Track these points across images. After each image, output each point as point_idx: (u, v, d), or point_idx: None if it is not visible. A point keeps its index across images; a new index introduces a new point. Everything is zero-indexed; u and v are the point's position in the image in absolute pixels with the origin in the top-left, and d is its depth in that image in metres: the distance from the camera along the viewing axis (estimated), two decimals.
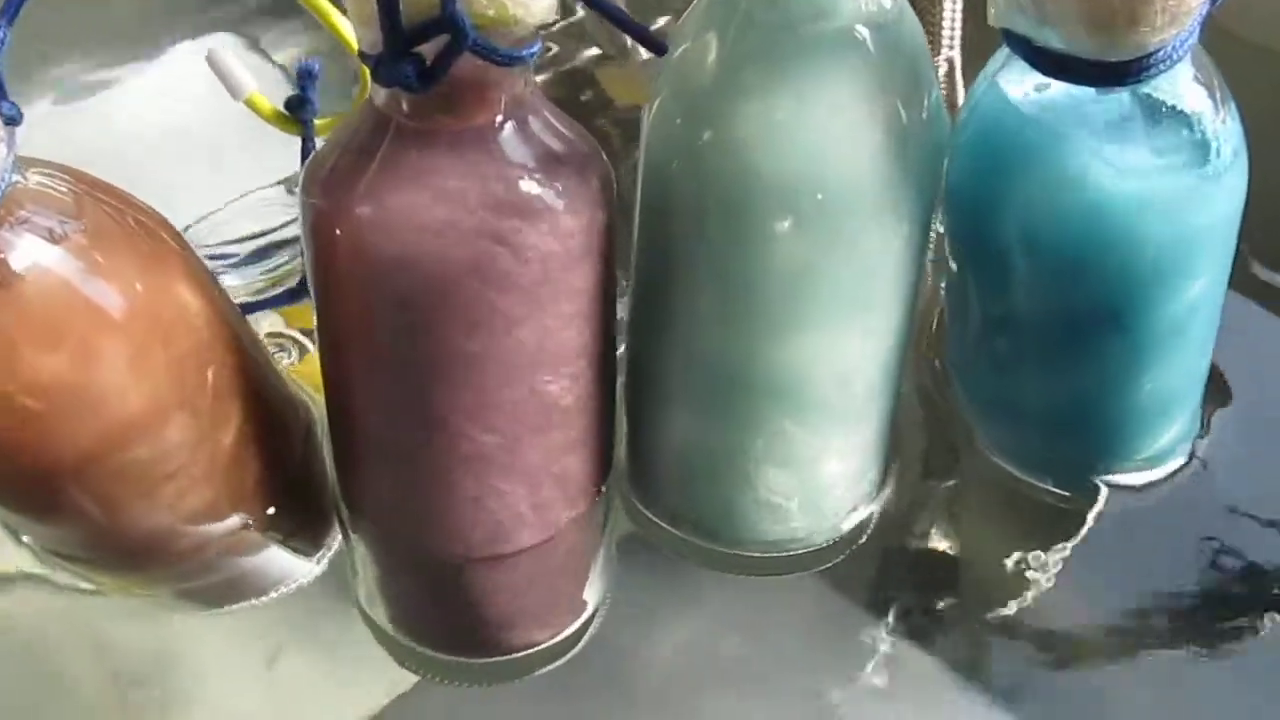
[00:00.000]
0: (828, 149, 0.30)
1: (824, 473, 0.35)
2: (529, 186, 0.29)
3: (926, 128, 0.31)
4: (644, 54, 0.60)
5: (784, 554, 0.37)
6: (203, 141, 0.53)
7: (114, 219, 0.30)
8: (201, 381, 0.30)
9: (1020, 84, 0.34)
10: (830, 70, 0.30)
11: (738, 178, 0.30)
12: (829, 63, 0.30)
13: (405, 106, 0.28)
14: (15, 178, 0.27)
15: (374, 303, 0.30)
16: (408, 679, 0.37)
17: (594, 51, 0.61)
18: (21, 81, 0.28)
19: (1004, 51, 0.34)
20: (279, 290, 0.47)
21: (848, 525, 0.38)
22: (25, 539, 0.33)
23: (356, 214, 0.29)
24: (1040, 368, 0.38)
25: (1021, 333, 0.37)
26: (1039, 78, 0.33)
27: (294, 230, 0.49)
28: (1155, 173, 0.32)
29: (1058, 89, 0.33)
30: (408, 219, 0.28)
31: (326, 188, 0.30)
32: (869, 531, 0.39)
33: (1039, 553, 0.40)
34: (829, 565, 0.38)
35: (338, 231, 0.29)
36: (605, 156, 0.31)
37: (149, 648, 0.38)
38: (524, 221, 0.29)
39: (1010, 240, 0.34)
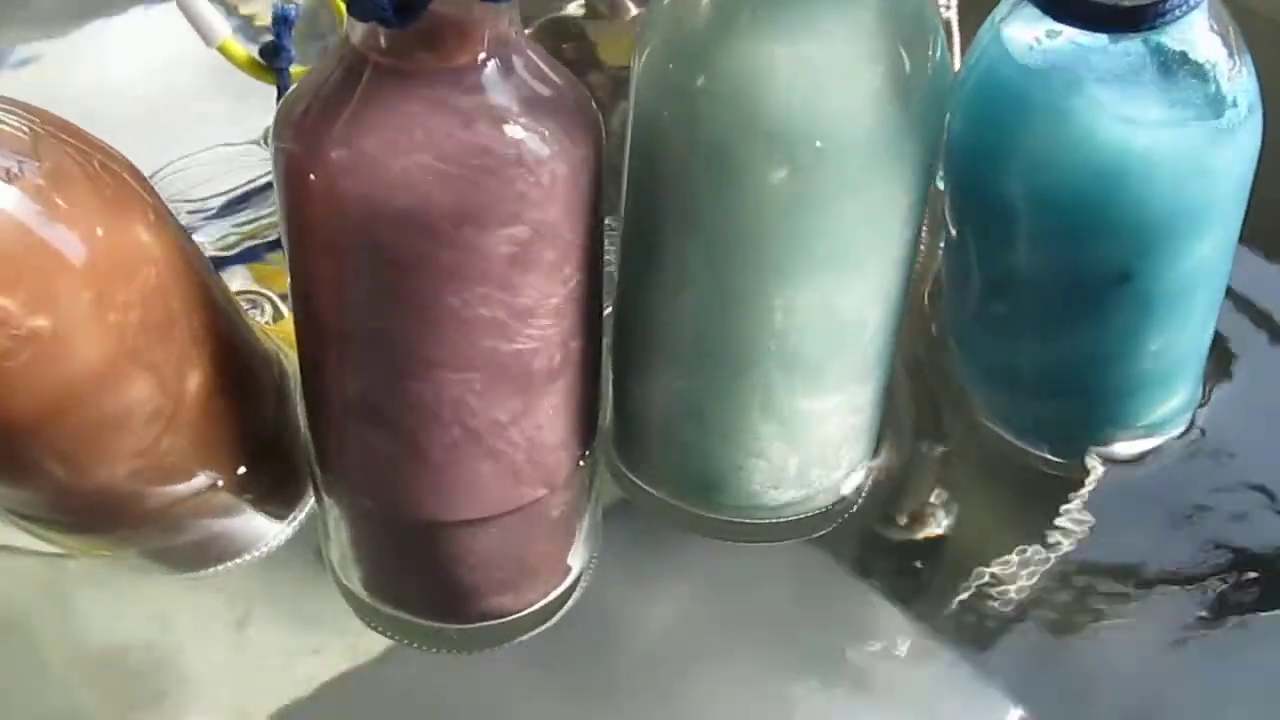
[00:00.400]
0: (827, 95, 0.29)
1: (819, 435, 0.34)
2: (513, 130, 0.27)
3: (931, 76, 0.30)
4: (633, 10, 0.59)
5: (775, 520, 0.36)
6: (175, 98, 0.52)
7: (76, 161, 0.29)
8: (166, 333, 0.29)
9: (1026, 34, 0.32)
10: (830, 13, 0.28)
11: (732, 125, 0.29)
12: (829, 5, 0.28)
13: (383, 44, 0.27)
14: None
15: (348, 252, 0.28)
16: (382, 643, 0.36)
17: (580, 6, 0.59)
18: None
19: (1009, 1, 0.33)
20: (252, 244, 0.46)
21: (841, 491, 0.37)
22: None
23: (331, 158, 0.27)
24: (1042, 331, 0.36)
25: (1023, 294, 0.36)
26: (1047, 26, 0.31)
27: (265, 183, 0.47)
28: (1167, 125, 0.31)
29: (1066, 38, 0.32)
30: (384, 163, 0.27)
31: (299, 131, 0.28)
32: (862, 498, 0.38)
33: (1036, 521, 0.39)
34: (821, 533, 0.37)
35: (311, 177, 0.28)
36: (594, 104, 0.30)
37: (117, 611, 0.37)
38: (507, 167, 0.27)
39: (1014, 197, 0.33)
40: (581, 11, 0.59)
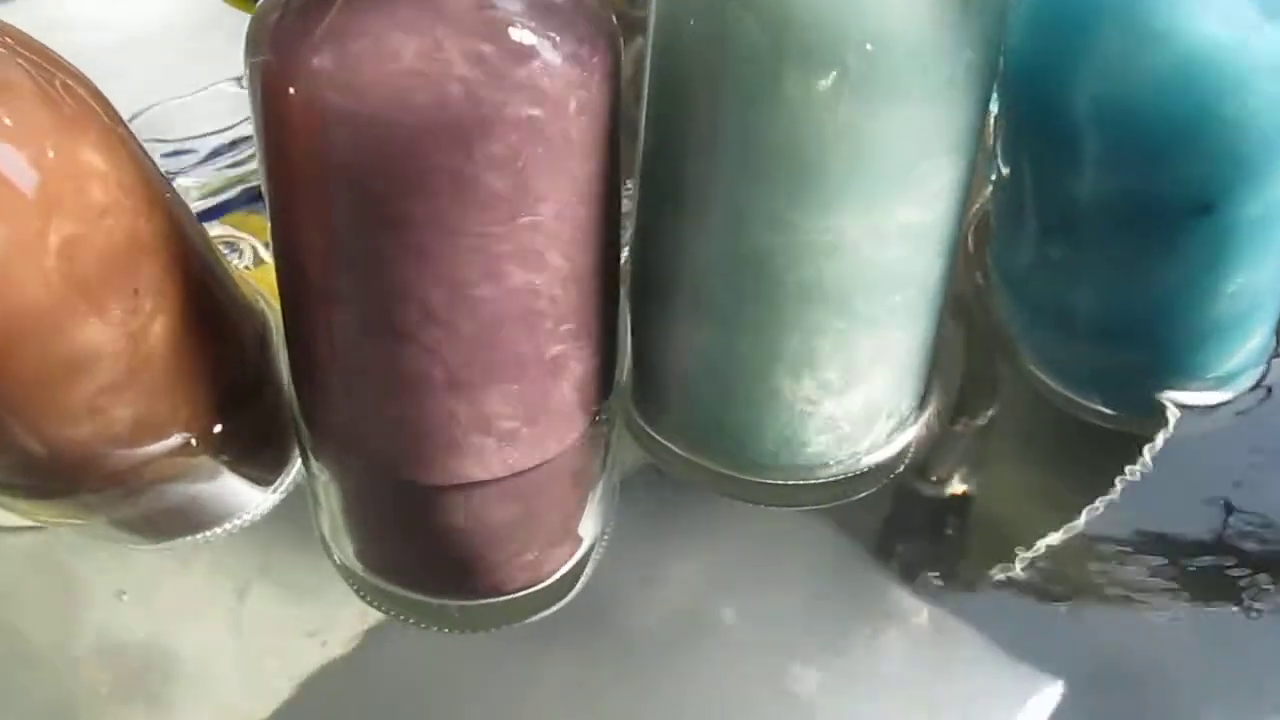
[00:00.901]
0: None
1: (862, 385, 0.31)
2: (521, 34, 0.24)
3: None
4: None
5: (810, 482, 0.33)
6: (167, 36, 0.49)
7: (30, 76, 0.26)
8: (125, 271, 0.26)
9: None
10: None
11: (767, 28, 0.25)
12: None
13: None
14: None
15: (333, 176, 0.25)
16: (382, 620, 0.33)
17: None
18: None
19: None
20: (240, 189, 0.42)
21: (882, 452, 0.33)
22: None
23: (313, 66, 0.24)
24: (1104, 270, 0.33)
25: (1085, 230, 0.32)
26: None
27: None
28: (1260, 25, 0.27)
29: None
30: (374, 71, 0.24)
31: (276, 38, 0.25)
32: (906, 461, 0.34)
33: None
34: (858, 497, 0.34)
35: (291, 91, 0.25)
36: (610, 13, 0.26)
37: (106, 590, 0.34)
38: (515, 75, 0.24)
39: (1080, 114, 0.30)
40: None
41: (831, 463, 0.32)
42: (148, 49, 0.48)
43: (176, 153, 0.43)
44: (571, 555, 0.32)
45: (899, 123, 0.26)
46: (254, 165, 0.43)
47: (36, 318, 0.24)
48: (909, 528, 0.36)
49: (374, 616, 0.32)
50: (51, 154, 0.25)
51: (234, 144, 0.44)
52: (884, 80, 0.25)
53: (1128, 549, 0.35)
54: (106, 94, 0.29)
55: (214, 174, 0.42)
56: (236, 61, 0.46)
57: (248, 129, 0.44)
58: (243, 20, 0.34)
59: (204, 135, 0.44)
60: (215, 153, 0.44)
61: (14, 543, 0.34)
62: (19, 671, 0.33)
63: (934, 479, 0.36)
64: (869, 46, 0.25)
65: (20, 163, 0.24)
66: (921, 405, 0.34)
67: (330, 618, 0.33)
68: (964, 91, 0.27)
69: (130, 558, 0.34)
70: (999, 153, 0.34)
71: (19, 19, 0.27)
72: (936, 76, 0.26)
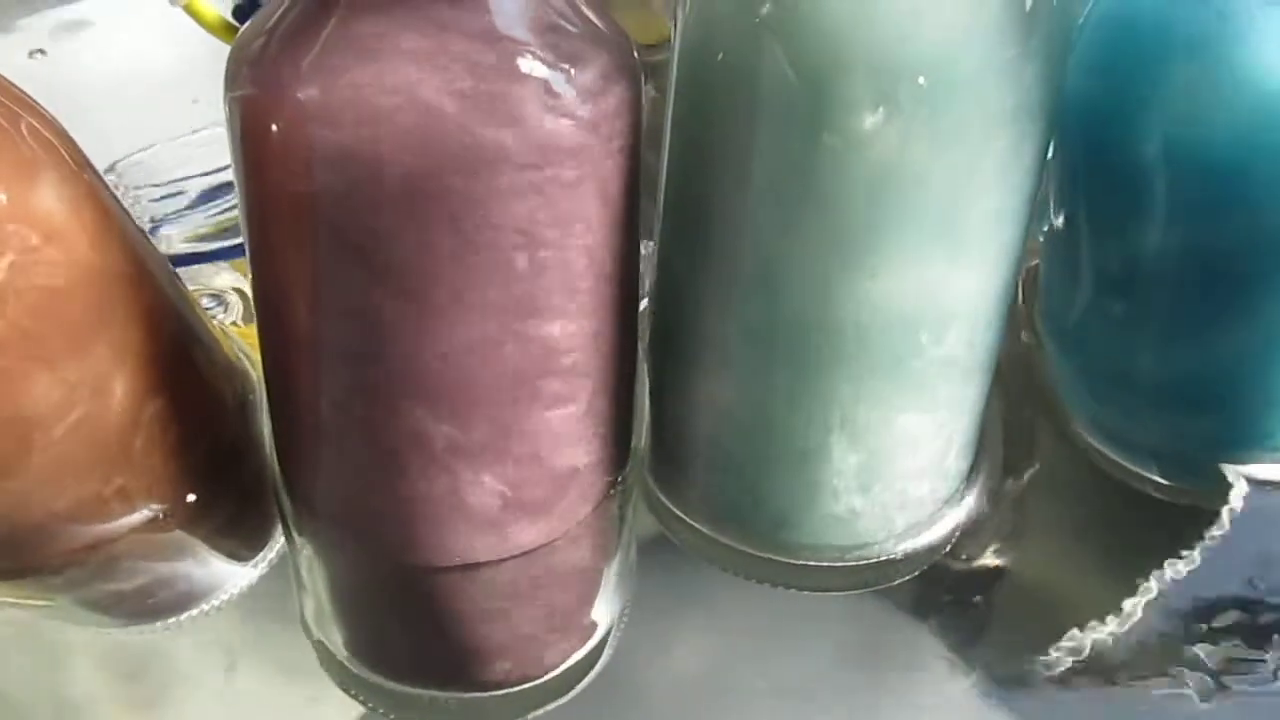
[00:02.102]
0: (932, 18, 0.22)
1: (903, 458, 0.28)
2: (531, 65, 0.22)
3: (1057, 5, 0.24)
4: None
5: (845, 564, 0.30)
6: (142, 80, 0.46)
7: None
8: (82, 325, 0.23)
9: None
10: None
11: (807, 59, 0.23)
12: None
13: None
14: None
15: (320, 221, 0.22)
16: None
17: None
18: None
19: None
20: (235, 240, 0.40)
21: (926, 533, 0.30)
22: None
23: (298, 100, 0.21)
24: (1169, 328, 0.31)
25: (1150, 285, 0.30)
26: None
27: None
28: None
29: None
30: (366, 104, 0.21)
31: (257, 70, 0.23)
32: (951, 544, 0.31)
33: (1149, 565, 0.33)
34: (898, 581, 0.31)
35: (273, 127, 0.22)
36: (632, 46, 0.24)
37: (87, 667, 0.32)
38: (524, 112, 0.21)
39: (1148, 158, 0.27)
40: None
41: (869, 544, 0.29)
42: (148, 90, 0.46)
43: (165, 196, 0.41)
44: (584, 642, 0.29)
45: (952, 167, 0.24)
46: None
47: None
48: (945, 604, 0.33)
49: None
50: (3, 198, 0.22)
51: (221, 187, 0.42)
52: (937, 119, 0.23)
53: (1181, 635, 0.32)
54: (104, 135, 0.26)
55: (204, 219, 0.40)
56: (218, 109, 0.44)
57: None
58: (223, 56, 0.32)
59: (194, 177, 0.41)
60: (205, 196, 0.42)
61: None
62: None
63: (973, 554, 0.33)
64: (921, 80, 0.22)
65: None
66: (969, 480, 0.31)
67: (319, 700, 0.30)
68: (1025, 131, 0.24)
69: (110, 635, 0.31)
70: (1052, 200, 0.31)
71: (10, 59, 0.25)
72: (995, 114, 0.23)
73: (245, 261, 0.39)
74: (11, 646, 0.32)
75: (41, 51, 0.46)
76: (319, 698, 0.31)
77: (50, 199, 0.23)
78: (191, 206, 0.41)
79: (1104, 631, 0.32)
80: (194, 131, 0.44)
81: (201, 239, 0.39)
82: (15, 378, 0.22)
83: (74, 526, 0.25)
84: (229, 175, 0.42)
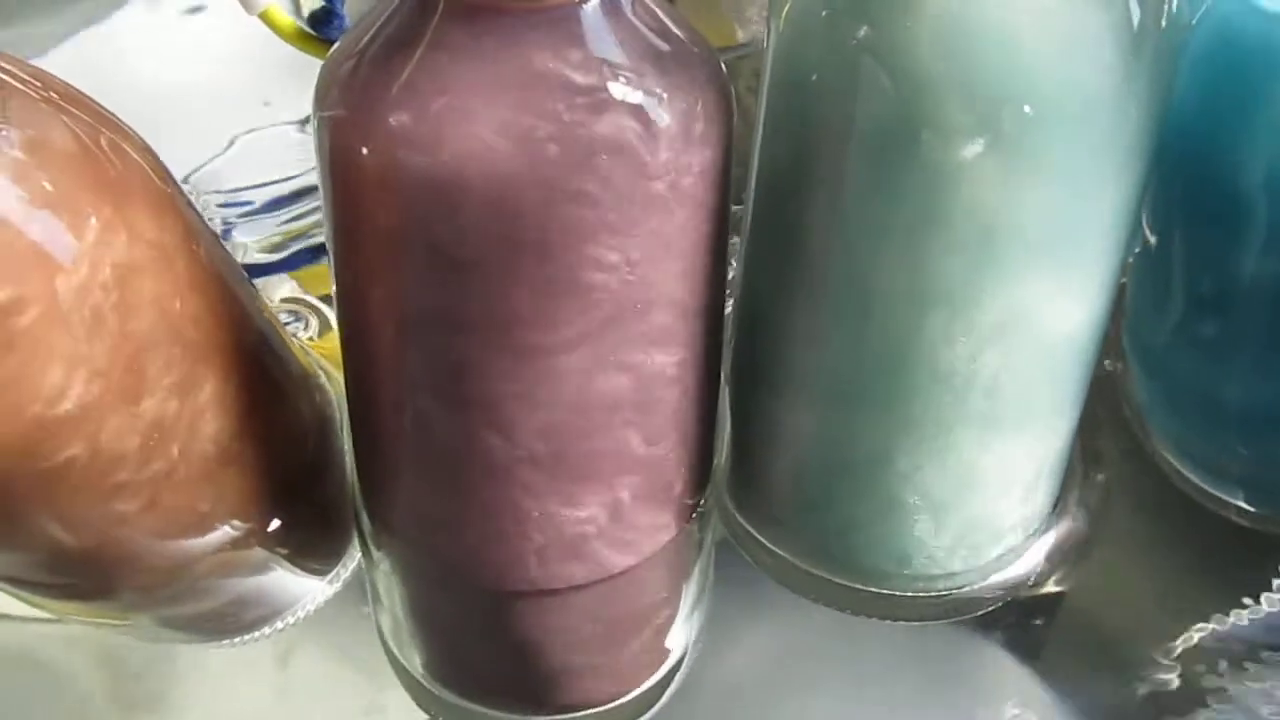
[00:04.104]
0: (1038, 47, 0.22)
1: (993, 489, 0.27)
2: (624, 92, 0.21)
3: (1165, 28, 0.23)
4: None
5: (930, 595, 0.29)
6: (211, 86, 0.46)
7: (77, 136, 0.23)
8: (172, 351, 0.23)
9: None
10: None
11: (909, 87, 0.22)
12: None
13: None
14: None
15: (410, 243, 0.22)
16: None
17: None
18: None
19: None
20: (299, 246, 0.40)
21: (1013, 566, 0.29)
22: None
23: (389, 124, 0.21)
24: (1262, 355, 0.30)
25: (1243, 308, 0.29)
26: None
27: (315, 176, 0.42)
28: None
29: None
30: (458, 129, 0.21)
31: (348, 92, 0.22)
32: (1035, 577, 0.31)
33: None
34: (980, 613, 0.30)
35: (364, 150, 0.22)
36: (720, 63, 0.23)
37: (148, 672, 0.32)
38: (617, 138, 0.21)
39: (1251, 183, 0.27)
40: None
41: (953, 574, 0.29)
42: (209, 91, 0.46)
43: (231, 204, 0.41)
44: (660, 665, 0.29)
45: (1053, 197, 0.23)
46: (312, 219, 0.41)
47: (73, 408, 0.21)
48: (1027, 634, 0.32)
49: None
50: (94, 221, 0.22)
51: (289, 196, 0.42)
52: (1039, 147, 0.22)
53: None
54: (168, 144, 0.26)
55: (276, 228, 0.40)
56: (300, 104, 0.44)
57: (305, 180, 0.42)
58: (304, 59, 0.32)
59: (264, 185, 0.41)
60: (274, 204, 0.41)
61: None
62: None
63: (1057, 584, 0.33)
64: (1027, 109, 0.22)
65: (59, 231, 0.21)
66: (1055, 511, 0.30)
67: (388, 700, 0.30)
68: (1129, 158, 0.24)
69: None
70: (1145, 222, 0.31)
71: (76, 67, 0.25)
72: (1101, 142, 0.23)
73: (308, 271, 0.40)
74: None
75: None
76: (381, 708, 0.31)
77: (141, 221, 0.23)
78: (259, 213, 0.41)
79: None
80: (259, 129, 0.44)
81: (272, 249, 0.40)
82: (113, 401, 0.22)
83: (157, 548, 0.25)
84: (295, 184, 0.42)
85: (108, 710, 0.31)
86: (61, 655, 0.32)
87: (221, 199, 0.40)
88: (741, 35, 0.49)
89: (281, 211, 0.41)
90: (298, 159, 0.42)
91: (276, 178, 0.41)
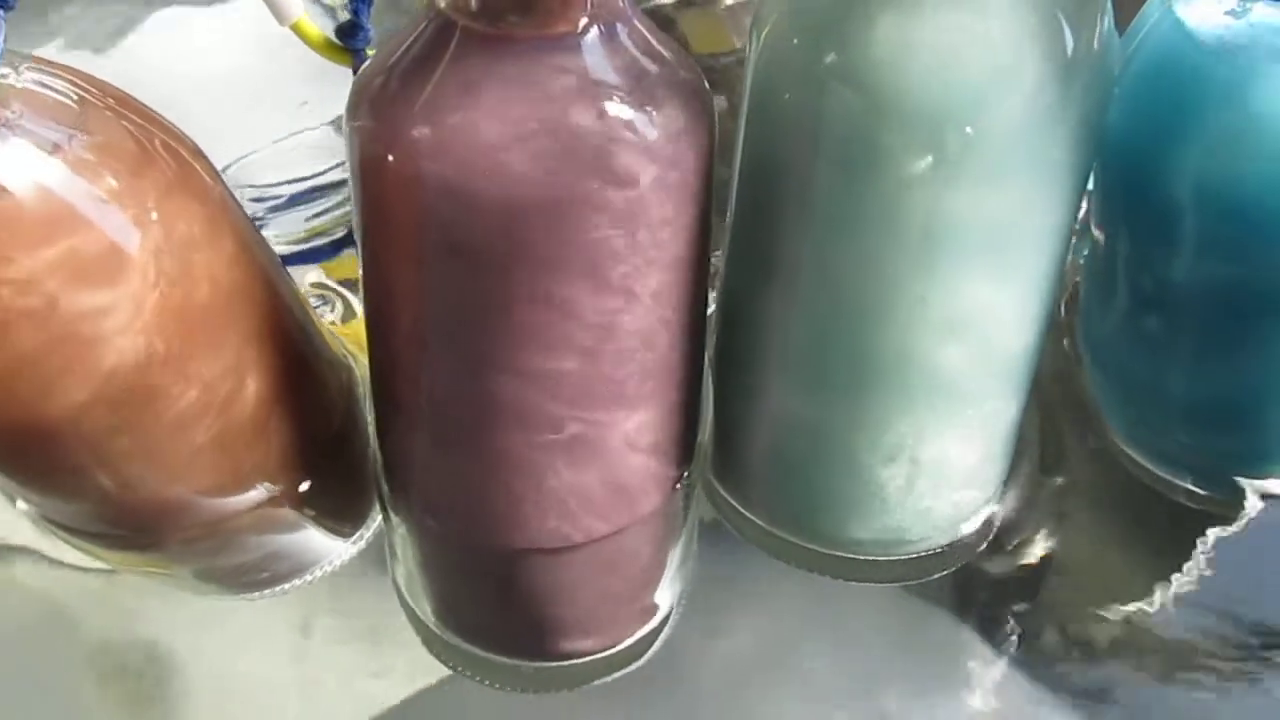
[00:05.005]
0: (980, 74, 0.25)
1: (948, 463, 0.30)
2: (618, 109, 0.24)
3: (1096, 56, 0.26)
4: None
5: (896, 558, 0.32)
6: (244, 84, 0.49)
7: (136, 139, 0.26)
8: (221, 330, 0.26)
9: (1205, 10, 0.28)
10: None
11: (868, 108, 0.25)
12: None
13: (474, 5, 0.24)
14: (4, 70, 0.23)
15: (429, 242, 0.25)
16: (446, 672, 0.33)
17: None
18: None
19: None
20: (323, 241, 0.43)
21: (966, 529, 0.32)
22: (21, 505, 0.29)
23: (412, 136, 0.24)
24: (1199, 352, 0.32)
25: (1180, 310, 0.32)
26: (1231, 3, 0.27)
27: (341, 174, 0.45)
28: None
29: (1255, 17, 0.27)
30: (473, 141, 0.24)
31: (377, 106, 0.25)
32: (988, 540, 0.34)
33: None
34: (936, 576, 0.33)
35: (390, 158, 0.25)
36: (706, 84, 0.26)
37: (170, 620, 0.34)
38: (612, 150, 0.24)
39: (1181, 195, 0.29)
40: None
41: (919, 539, 0.32)
42: (229, 96, 0.49)
43: (259, 199, 0.44)
44: (648, 620, 0.32)
45: (996, 205, 0.26)
46: (335, 215, 0.44)
47: (137, 377, 0.24)
48: (984, 595, 0.35)
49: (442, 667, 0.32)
50: (154, 215, 0.25)
51: (315, 191, 0.45)
52: (983, 162, 0.25)
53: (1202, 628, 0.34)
54: (213, 138, 0.29)
55: (302, 222, 0.43)
56: (318, 108, 0.47)
57: (330, 177, 0.45)
58: (322, 64, 0.35)
59: (288, 182, 0.44)
60: (295, 200, 0.44)
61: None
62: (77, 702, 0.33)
63: (1010, 551, 0.36)
64: (969, 130, 0.25)
65: (125, 225, 0.24)
66: (1007, 482, 0.34)
67: (399, 662, 0.33)
68: (1065, 171, 0.27)
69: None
70: (1092, 226, 0.33)
71: (106, 69, 0.27)
72: (1037, 159, 0.26)
73: (333, 263, 0.43)
74: (93, 607, 0.35)
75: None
76: (389, 669, 0.34)
77: (193, 215, 0.26)
78: (283, 209, 0.44)
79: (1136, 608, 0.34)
80: (287, 136, 0.47)
81: (297, 241, 0.42)
82: (169, 382, 0.25)
83: (204, 504, 0.28)
84: (321, 180, 0.45)
85: (123, 666, 0.34)
86: (110, 668, 0.34)
87: (255, 193, 0.43)
88: (737, 42, 0.52)
89: (306, 207, 0.44)
90: (325, 157, 0.45)
91: (305, 174, 0.44)
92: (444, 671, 0.33)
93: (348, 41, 0.36)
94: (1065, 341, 0.38)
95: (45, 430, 0.24)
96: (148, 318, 0.24)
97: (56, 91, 0.24)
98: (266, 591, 0.33)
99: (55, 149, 0.23)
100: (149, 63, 0.52)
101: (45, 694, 0.34)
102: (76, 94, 0.25)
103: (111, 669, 0.34)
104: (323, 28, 0.39)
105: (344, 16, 0.38)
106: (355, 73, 0.35)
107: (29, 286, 0.23)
